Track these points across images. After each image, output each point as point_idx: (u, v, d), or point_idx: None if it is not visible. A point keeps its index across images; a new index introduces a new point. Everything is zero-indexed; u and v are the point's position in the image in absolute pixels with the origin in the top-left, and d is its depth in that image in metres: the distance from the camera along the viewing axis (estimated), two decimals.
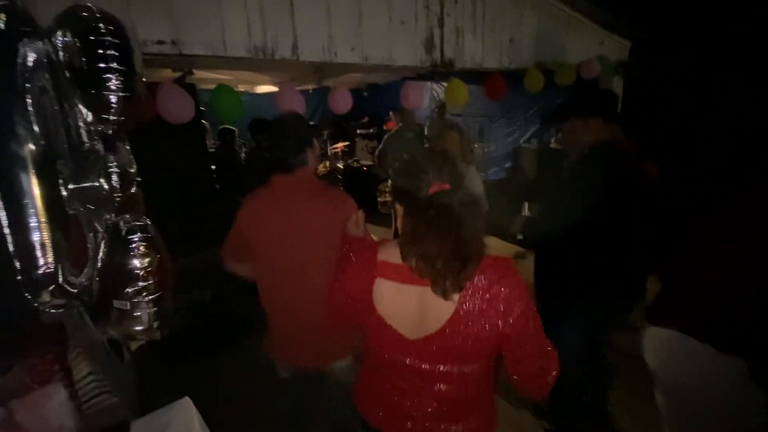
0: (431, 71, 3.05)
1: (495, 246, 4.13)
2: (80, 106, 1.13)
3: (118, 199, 1.18)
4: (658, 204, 2.20)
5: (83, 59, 1.04)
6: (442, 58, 2.71)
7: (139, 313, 1.20)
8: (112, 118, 1.11)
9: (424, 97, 4.33)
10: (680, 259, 1.38)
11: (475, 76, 3.47)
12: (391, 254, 0.94)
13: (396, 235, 1.49)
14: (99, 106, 1.09)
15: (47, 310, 1.11)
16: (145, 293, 1.18)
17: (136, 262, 1.16)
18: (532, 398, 0.94)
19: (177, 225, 2.51)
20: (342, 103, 2.68)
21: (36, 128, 1.06)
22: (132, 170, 1.26)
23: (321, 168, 5.98)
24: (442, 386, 0.95)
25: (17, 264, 1.04)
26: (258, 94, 5.78)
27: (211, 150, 4.70)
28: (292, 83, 4.22)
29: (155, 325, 1.24)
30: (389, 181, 3.89)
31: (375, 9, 2.34)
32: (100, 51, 1.05)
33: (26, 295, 1.07)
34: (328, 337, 1.45)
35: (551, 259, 1.81)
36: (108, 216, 1.22)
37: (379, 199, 6.02)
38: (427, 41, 2.60)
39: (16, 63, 0.99)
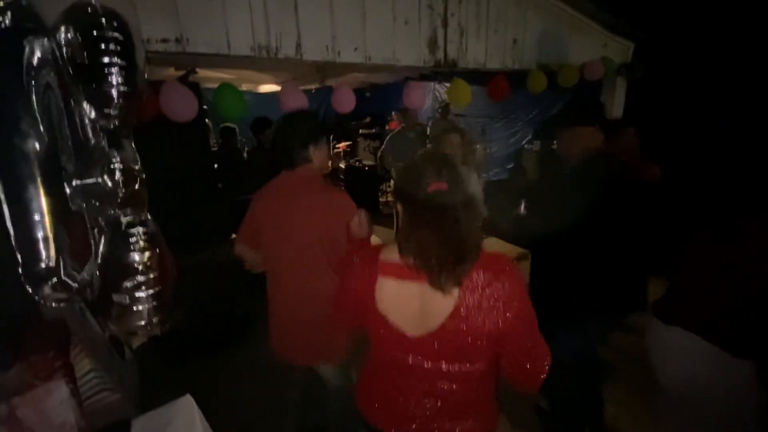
0: (434, 71, 3.05)
1: (496, 248, 4.12)
2: (85, 105, 1.13)
3: (121, 195, 1.18)
4: (662, 204, 2.20)
5: (85, 54, 1.04)
6: (446, 59, 2.71)
7: (138, 308, 1.20)
8: (113, 112, 1.11)
9: (426, 98, 4.34)
10: (686, 258, 1.38)
11: (478, 77, 3.46)
12: (393, 254, 0.96)
13: None
14: (100, 100, 1.09)
15: (48, 304, 1.12)
16: (144, 287, 1.17)
17: (136, 256, 1.16)
18: (527, 395, 0.96)
19: (179, 223, 2.52)
20: (345, 102, 2.68)
21: (41, 125, 1.07)
22: (136, 167, 1.26)
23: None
24: (444, 385, 0.95)
25: (19, 257, 1.05)
26: (261, 94, 5.79)
27: (214, 149, 4.71)
28: (295, 82, 4.22)
29: (155, 320, 1.24)
30: (391, 181, 3.90)
31: (378, 9, 2.34)
32: (102, 45, 1.04)
33: (27, 288, 1.08)
34: (319, 337, 1.49)
35: (545, 264, 1.83)
36: (112, 212, 1.23)
37: (380, 199, 6.03)
38: (430, 41, 2.60)
39: (21, 60, 0.99)
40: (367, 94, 7.04)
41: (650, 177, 2.82)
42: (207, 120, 4.08)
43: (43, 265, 1.05)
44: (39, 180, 1.06)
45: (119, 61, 1.07)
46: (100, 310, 1.28)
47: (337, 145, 6.59)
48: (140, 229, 1.18)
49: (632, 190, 1.66)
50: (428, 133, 4.90)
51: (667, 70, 3.52)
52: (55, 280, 1.07)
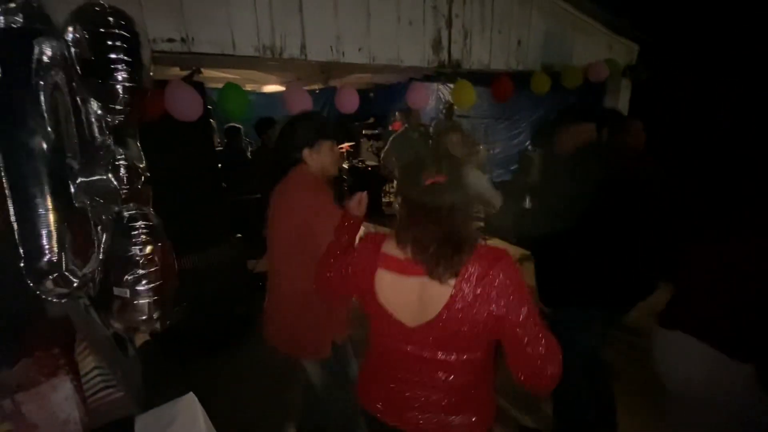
0: (438, 72, 3.05)
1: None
2: (92, 102, 1.14)
3: (125, 192, 1.19)
4: (667, 206, 2.21)
5: (92, 50, 1.05)
6: (450, 59, 2.71)
7: (139, 302, 1.21)
8: (118, 107, 1.13)
9: (429, 98, 4.34)
10: (689, 262, 1.37)
11: (481, 78, 3.46)
12: (394, 247, 1.00)
13: None
14: (106, 95, 1.11)
15: (50, 298, 1.14)
16: (145, 281, 1.18)
17: (137, 250, 1.18)
18: (534, 395, 0.95)
19: (182, 222, 2.53)
20: (348, 103, 2.69)
21: (48, 123, 1.08)
22: (141, 165, 1.27)
23: None
24: (442, 375, 0.98)
25: (22, 252, 1.06)
26: (265, 94, 5.81)
27: (218, 148, 4.73)
28: (299, 83, 4.23)
29: (155, 315, 1.25)
30: (394, 182, 3.90)
31: (383, 9, 2.34)
32: (109, 42, 1.07)
33: (29, 282, 1.09)
34: (299, 331, 1.56)
35: (546, 257, 1.85)
36: (116, 208, 1.24)
37: (383, 200, 6.03)
38: (434, 42, 2.60)
39: (31, 60, 1.01)
40: (371, 95, 7.05)
41: (651, 172, 2.79)
42: (211, 120, 4.10)
43: (45, 260, 1.07)
44: (44, 177, 1.08)
45: (125, 57, 1.09)
46: (102, 305, 1.29)
47: (340, 146, 6.60)
48: (142, 223, 1.19)
49: (629, 180, 1.67)
50: (431, 133, 4.90)
51: (672, 72, 3.50)
52: (56, 274, 1.09)
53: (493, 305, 0.89)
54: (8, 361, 1.06)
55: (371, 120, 7.45)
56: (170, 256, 1.29)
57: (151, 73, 1.23)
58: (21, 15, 0.98)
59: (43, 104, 1.06)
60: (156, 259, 1.20)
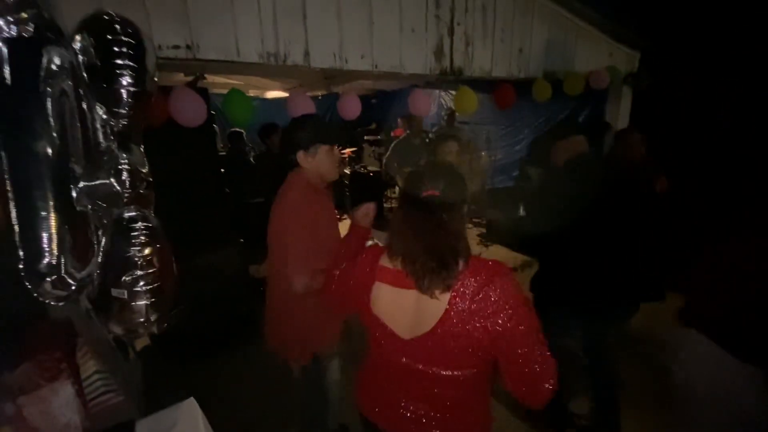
0: (440, 79, 3.08)
1: (501, 255, 4.12)
2: (98, 108, 1.16)
3: (127, 196, 1.20)
4: (667, 212, 2.24)
5: (98, 56, 1.08)
6: (452, 67, 2.73)
7: (136, 304, 1.21)
8: (122, 111, 1.14)
9: (431, 105, 4.36)
10: (699, 265, 1.38)
11: (483, 85, 3.48)
12: (390, 260, 1.00)
13: None
14: (111, 100, 1.12)
15: (48, 301, 1.14)
16: (142, 283, 1.19)
17: (136, 251, 1.18)
18: (528, 406, 0.93)
19: (186, 225, 2.54)
20: (351, 109, 2.71)
21: (53, 128, 1.10)
22: (144, 170, 1.28)
23: None
24: (436, 389, 0.97)
25: (21, 254, 1.07)
26: (268, 100, 5.85)
27: (221, 153, 4.75)
28: (302, 89, 4.27)
29: (153, 317, 1.25)
30: (396, 188, 3.92)
31: (386, 17, 2.37)
32: (115, 49, 1.09)
33: (27, 284, 1.10)
34: (284, 333, 1.59)
35: (544, 262, 1.96)
36: (116, 211, 1.25)
37: (385, 205, 6.04)
38: (436, 49, 2.62)
39: (40, 67, 1.03)
40: (373, 101, 7.09)
41: (661, 189, 2.81)
42: (214, 125, 4.13)
43: (44, 262, 1.07)
44: (47, 180, 1.09)
45: (130, 63, 1.11)
46: (102, 308, 1.29)
47: (342, 151, 6.63)
48: (141, 225, 1.20)
49: (624, 187, 1.73)
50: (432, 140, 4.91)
51: (673, 80, 3.52)
52: (54, 277, 1.10)
53: (488, 322, 0.87)
54: (10, 365, 1.07)
55: (373, 126, 7.49)
56: (169, 259, 1.29)
57: (156, 79, 1.25)
58: (32, 24, 1.00)
59: (49, 110, 1.08)
60: (155, 260, 1.21)
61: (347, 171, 6.19)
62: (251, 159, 4.60)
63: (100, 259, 1.22)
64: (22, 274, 1.09)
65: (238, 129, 4.46)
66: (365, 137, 7.22)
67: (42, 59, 1.03)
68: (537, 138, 2.27)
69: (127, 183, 1.19)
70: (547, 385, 0.86)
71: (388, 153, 4.39)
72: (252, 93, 4.94)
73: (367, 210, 1.26)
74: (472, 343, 0.89)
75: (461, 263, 0.90)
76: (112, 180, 1.19)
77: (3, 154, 1.03)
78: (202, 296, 2.70)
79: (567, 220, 1.60)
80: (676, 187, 2.92)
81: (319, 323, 1.57)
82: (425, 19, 2.52)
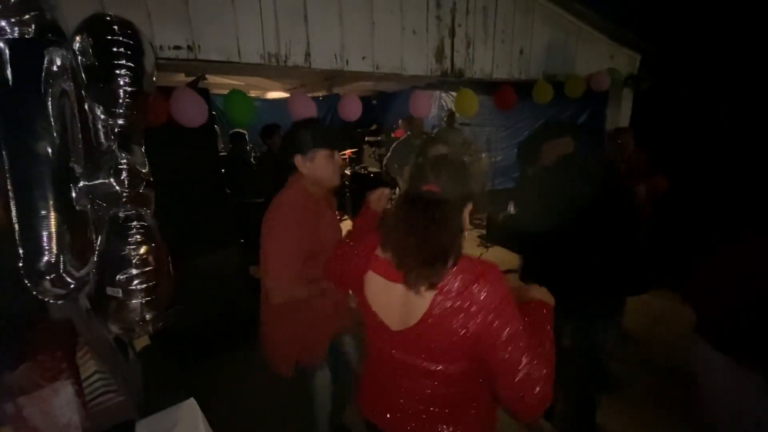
0: (441, 80, 3.08)
1: (501, 257, 4.12)
2: (97, 108, 1.17)
3: (126, 196, 1.20)
4: (671, 213, 2.26)
5: (96, 56, 1.09)
6: (453, 68, 2.73)
7: (131, 302, 1.21)
8: (120, 111, 1.15)
9: (431, 106, 4.37)
10: (700, 266, 1.38)
11: (483, 86, 3.48)
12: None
13: None
14: (109, 99, 1.13)
15: (47, 299, 1.15)
16: (137, 281, 1.19)
17: (131, 250, 1.18)
18: (518, 417, 0.91)
19: (186, 226, 2.54)
20: (352, 110, 2.71)
21: (54, 128, 1.11)
22: (144, 170, 1.28)
23: None
24: (426, 383, 0.97)
25: (21, 252, 1.08)
26: (269, 100, 5.86)
27: (222, 154, 4.76)
28: (303, 90, 4.27)
29: (149, 316, 1.25)
30: (396, 189, 3.92)
31: (387, 19, 2.37)
32: (113, 49, 1.10)
33: (26, 282, 1.11)
34: (270, 346, 1.62)
35: (528, 261, 2.04)
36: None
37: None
38: (437, 51, 2.63)
39: (41, 68, 1.04)
40: (374, 102, 7.10)
41: (657, 188, 2.82)
42: (215, 125, 4.14)
43: (44, 261, 1.09)
44: (47, 180, 1.10)
45: (128, 63, 1.12)
46: (99, 306, 1.30)
47: (342, 155, 6.64)
48: (136, 223, 1.20)
49: (608, 186, 1.77)
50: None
51: (674, 81, 3.52)
52: (54, 275, 1.11)
53: (471, 321, 0.86)
54: (10, 365, 1.07)
55: (374, 127, 7.50)
56: (165, 258, 1.29)
57: (154, 79, 1.25)
58: (34, 26, 1.01)
59: (50, 110, 1.09)
60: (150, 259, 1.21)
61: (347, 172, 6.20)
62: (252, 159, 4.61)
63: (95, 258, 1.22)
64: (22, 272, 1.10)
65: (240, 129, 4.47)
66: (366, 138, 7.23)
67: (43, 60, 1.04)
68: (525, 138, 2.32)
69: (126, 183, 1.19)
70: (532, 396, 0.84)
71: (389, 154, 4.40)
72: (253, 93, 4.96)
73: (381, 194, 1.25)
74: (454, 341, 0.89)
75: (450, 263, 0.89)
76: (111, 180, 1.20)
77: (4, 153, 1.04)
78: (202, 296, 2.70)
79: (551, 218, 1.65)
80: (676, 188, 2.92)
81: (299, 336, 1.55)
82: (426, 21, 2.53)
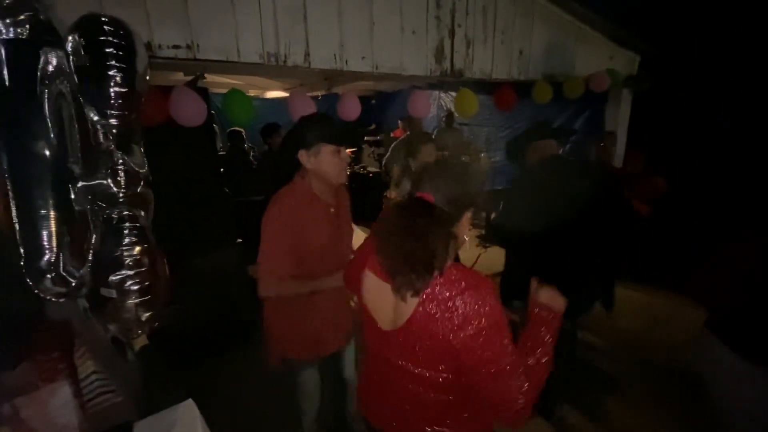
0: (440, 81, 3.07)
1: (499, 257, 4.11)
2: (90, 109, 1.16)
3: (123, 196, 1.20)
4: (671, 215, 2.30)
5: (88, 56, 1.08)
6: (452, 68, 2.73)
7: (126, 303, 1.21)
8: (112, 112, 1.14)
9: (431, 106, 4.36)
10: (703, 268, 1.38)
11: (483, 87, 3.48)
12: None
13: None
14: (101, 100, 1.12)
15: (48, 297, 1.16)
16: (131, 282, 1.19)
17: (124, 250, 1.19)
18: (502, 423, 0.91)
19: (185, 225, 2.53)
20: (351, 110, 2.70)
21: (51, 130, 1.11)
22: (142, 170, 1.28)
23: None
24: (414, 386, 0.97)
25: (22, 251, 1.09)
26: (268, 99, 5.84)
27: (221, 153, 4.75)
28: (302, 89, 4.27)
29: (144, 316, 1.25)
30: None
31: (387, 19, 2.37)
32: (104, 49, 1.09)
33: (28, 281, 1.12)
34: (265, 330, 1.61)
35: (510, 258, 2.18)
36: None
37: (384, 206, 6.04)
38: (437, 51, 2.62)
39: (37, 69, 1.03)
40: (373, 102, 7.09)
41: (656, 189, 2.83)
42: (214, 125, 4.13)
43: (44, 259, 1.10)
44: (46, 180, 1.11)
45: (119, 63, 1.11)
46: (95, 306, 1.29)
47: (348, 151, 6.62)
48: (130, 224, 1.20)
49: (591, 186, 1.84)
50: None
51: (673, 82, 3.53)
52: (54, 273, 1.12)
53: (452, 333, 0.85)
54: (8, 365, 1.06)
55: (373, 126, 7.48)
56: (160, 258, 1.29)
57: (147, 78, 1.24)
58: (28, 26, 1.01)
59: (46, 111, 1.09)
60: (144, 260, 1.21)
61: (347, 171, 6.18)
62: (251, 158, 4.60)
63: (90, 258, 1.22)
64: (23, 270, 1.10)
65: (237, 128, 4.46)
66: (365, 138, 7.22)
67: (39, 61, 1.04)
68: (512, 139, 2.38)
69: (123, 183, 1.19)
70: (514, 405, 0.84)
71: (388, 154, 4.40)
72: (252, 93, 4.94)
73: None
74: (437, 348, 0.89)
75: (436, 271, 0.87)
76: (108, 180, 1.19)
77: (3, 154, 1.04)
78: (200, 296, 2.70)
79: (532, 216, 1.75)
80: (675, 188, 2.93)
81: (289, 328, 1.55)
82: (426, 21, 2.52)
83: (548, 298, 1.03)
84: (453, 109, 5.26)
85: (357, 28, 2.28)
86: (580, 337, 2.98)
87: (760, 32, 3.07)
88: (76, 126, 1.17)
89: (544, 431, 2.15)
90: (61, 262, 1.14)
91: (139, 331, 1.36)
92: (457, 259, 1.84)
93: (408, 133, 4.41)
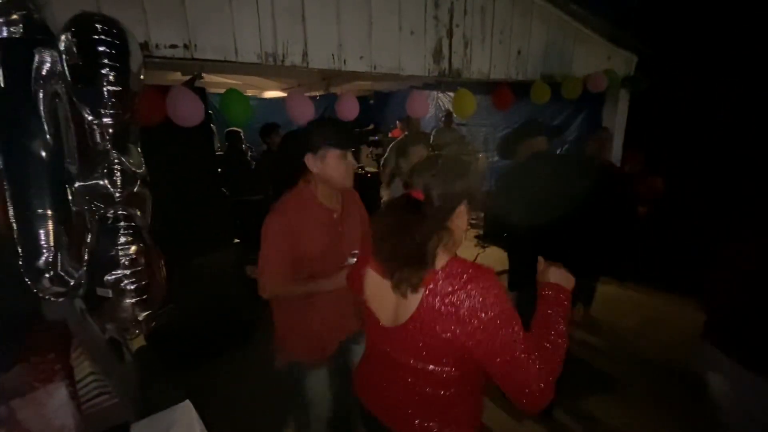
0: (439, 81, 3.07)
1: (498, 256, 4.12)
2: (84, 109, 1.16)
3: (119, 196, 1.20)
4: (669, 215, 2.33)
5: (80, 55, 1.08)
6: (450, 69, 2.73)
7: (123, 302, 1.21)
8: (106, 111, 1.14)
9: (429, 107, 4.36)
10: (709, 272, 1.37)
11: (481, 87, 3.49)
12: None
13: None
14: (94, 100, 1.12)
15: (47, 297, 1.16)
16: (127, 281, 1.19)
17: (119, 250, 1.19)
18: (521, 410, 0.91)
19: (183, 226, 2.52)
20: (349, 110, 2.70)
21: (47, 130, 1.10)
22: (139, 170, 1.28)
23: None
24: (414, 381, 0.98)
25: (20, 251, 1.08)
26: (266, 99, 5.83)
27: (218, 153, 4.74)
28: (300, 89, 4.26)
29: (141, 316, 1.25)
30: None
31: (385, 19, 2.36)
32: (97, 48, 1.09)
33: (27, 280, 1.12)
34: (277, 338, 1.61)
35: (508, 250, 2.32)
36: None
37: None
38: (435, 51, 2.62)
39: (31, 68, 1.03)
40: (371, 102, 7.09)
41: (654, 189, 2.84)
42: (212, 124, 4.12)
43: (42, 259, 1.10)
44: (43, 180, 1.11)
45: (112, 62, 1.10)
46: (92, 306, 1.29)
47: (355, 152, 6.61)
48: (125, 224, 1.20)
49: (579, 179, 1.93)
50: (431, 141, 4.90)
51: (670, 83, 3.54)
52: (52, 273, 1.12)
53: (459, 327, 0.85)
54: (4, 365, 1.06)
55: (371, 126, 7.48)
56: (156, 258, 1.29)
57: (142, 77, 1.24)
58: (22, 25, 1.00)
59: (42, 111, 1.08)
60: (140, 260, 1.21)
61: None
62: (249, 158, 4.60)
63: (86, 257, 1.22)
64: (22, 270, 1.10)
65: (235, 128, 4.45)
66: (370, 139, 7.22)
67: (33, 60, 1.03)
68: (504, 135, 2.47)
69: (119, 183, 1.19)
70: (530, 392, 0.84)
71: (386, 154, 4.40)
72: (249, 93, 4.93)
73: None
74: (442, 343, 0.89)
75: (428, 266, 0.89)
76: (105, 180, 1.19)
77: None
78: (198, 296, 2.69)
79: (524, 209, 1.84)
80: (673, 189, 2.94)
81: (291, 331, 1.55)
82: (424, 21, 2.52)
83: (557, 277, 1.02)
84: (451, 110, 5.26)
85: (355, 28, 2.28)
86: (580, 337, 3.00)
87: (758, 32, 3.09)
88: (72, 126, 1.17)
89: (544, 431, 2.15)
90: (59, 262, 1.14)
91: (137, 331, 1.36)
92: None
93: (406, 133, 4.41)
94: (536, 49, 3.12)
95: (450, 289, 0.87)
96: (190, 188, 2.78)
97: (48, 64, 1.06)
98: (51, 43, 1.07)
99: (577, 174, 1.96)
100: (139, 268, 1.21)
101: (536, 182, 1.91)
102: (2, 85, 1.00)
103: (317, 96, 5.50)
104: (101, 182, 1.18)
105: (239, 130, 4.45)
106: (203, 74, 2.66)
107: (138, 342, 2.52)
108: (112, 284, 1.18)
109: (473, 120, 5.38)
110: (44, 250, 1.12)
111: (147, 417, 1.22)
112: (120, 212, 1.21)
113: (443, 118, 5.41)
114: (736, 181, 3.19)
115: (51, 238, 1.12)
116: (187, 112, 2.11)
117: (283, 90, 4.76)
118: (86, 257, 1.21)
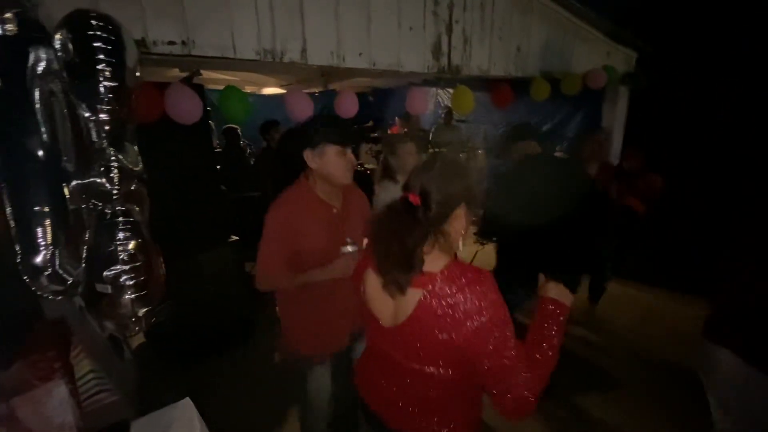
0: (438, 77, 3.06)
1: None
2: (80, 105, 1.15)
3: (117, 194, 1.19)
4: (668, 213, 2.35)
5: (76, 52, 1.07)
6: (449, 65, 2.72)
7: (122, 299, 1.21)
8: (102, 107, 1.13)
9: (428, 103, 4.36)
10: (723, 275, 1.37)
11: (480, 83, 3.48)
12: None
13: None
14: (89, 96, 1.11)
15: (45, 295, 1.16)
16: (126, 277, 1.18)
17: (118, 246, 1.18)
18: (507, 417, 0.91)
19: (182, 223, 2.52)
20: (348, 106, 2.69)
21: (43, 129, 1.10)
22: (136, 168, 1.27)
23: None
24: (412, 381, 0.98)
25: (18, 249, 1.08)
26: (264, 96, 5.81)
27: (217, 150, 4.73)
28: (299, 86, 4.24)
29: (140, 312, 1.25)
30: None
31: (384, 15, 2.35)
32: (92, 44, 1.09)
33: (25, 278, 1.12)
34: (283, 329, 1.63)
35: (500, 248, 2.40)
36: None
37: None
38: (434, 48, 2.61)
39: (26, 67, 1.02)
40: (370, 98, 7.06)
41: (653, 187, 2.84)
42: (210, 121, 4.11)
43: (40, 257, 1.11)
44: (40, 178, 1.11)
45: (107, 58, 1.10)
46: (90, 303, 1.29)
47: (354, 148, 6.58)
48: (123, 219, 1.20)
49: (566, 180, 2.00)
50: (431, 138, 4.90)
51: (670, 80, 3.53)
52: (50, 271, 1.12)
53: (457, 329, 0.85)
54: (4, 364, 1.06)
55: (370, 123, 7.46)
56: (155, 254, 1.29)
57: (138, 73, 1.23)
58: (16, 24, 0.99)
59: (38, 109, 1.08)
60: (138, 255, 1.21)
61: None
62: (247, 155, 4.59)
63: (84, 255, 1.22)
64: (20, 268, 1.10)
65: (232, 125, 4.44)
66: (371, 135, 7.19)
67: (28, 59, 1.03)
68: (497, 140, 2.55)
69: (116, 180, 1.18)
70: (517, 397, 0.85)
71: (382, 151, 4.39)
72: (248, 89, 4.90)
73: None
74: (439, 345, 0.89)
75: (415, 270, 0.90)
76: (102, 178, 1.19)
77: None
78: (197, 293, 2.69)
79: (515, 208, 1.92)
80: (672, 187, 2.94)
81: (297, 322, 1.57)
82: (423, 17, 2.51)
83: (556, 293, 1.04)
84: (451, 106, 5.25)
85: (354, 24, 2.27)
86: (579, 334, 3.01)
87: (758, 30, 3.08)
88: (69, 124, 1.16)
89: (543, 430, 2.16)
90: (57, 260, 1.14)
91: (136, 328, 1.36)
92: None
93: (405, 130, 4.40)
94: (536, 46, 3.11)
95: (448, 291, 0.87)
96: (188, 185, 2.77)
97: (43, 63, 1.06)
98: (46, 41, 1.06)
99: (564, 176, 2.06)
100: (138, 264, 1.21)
101: (523, 185, 2.03)
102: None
103: (316, 93, 5.48)
104: (98, 180, 1.17)
105: (236, 126, 4.44)
106: (201, 71, 2.65)
107: (138, 339, 2.52)
108: (110, 280, 1.18)
109: (473, 117, 5.37)
110: (42, 248, 1.12)
111: (147, 414, 1.22)
112: (118, 208, 1.21)
113: (443, 115, 5.40)
114: (736, 179, 3.19)
115: (48, 236, 1.12)
116: (186, 109, 2.10)
117: (281, 87, 4.74)
118: (85, 253, 1.21)
